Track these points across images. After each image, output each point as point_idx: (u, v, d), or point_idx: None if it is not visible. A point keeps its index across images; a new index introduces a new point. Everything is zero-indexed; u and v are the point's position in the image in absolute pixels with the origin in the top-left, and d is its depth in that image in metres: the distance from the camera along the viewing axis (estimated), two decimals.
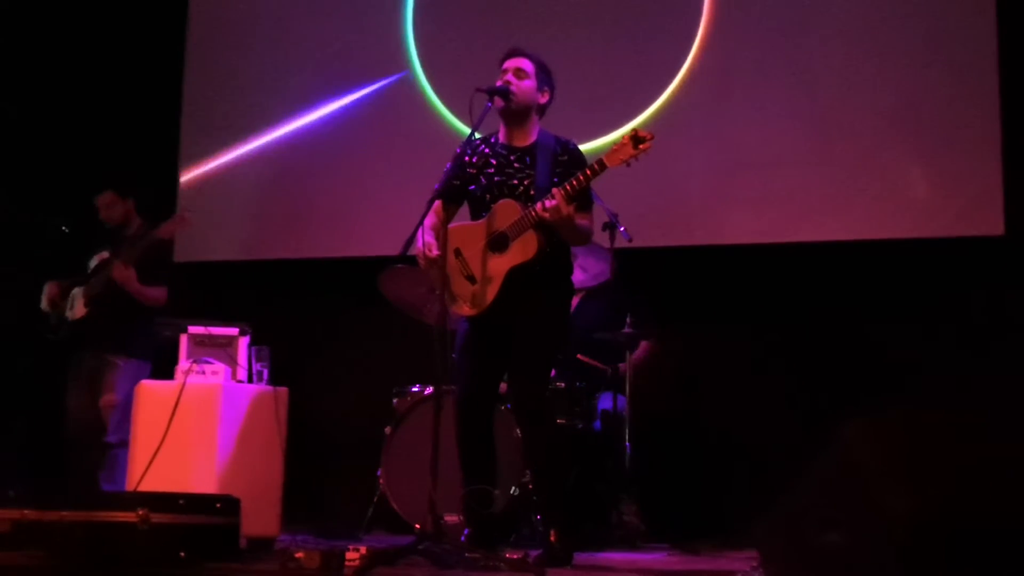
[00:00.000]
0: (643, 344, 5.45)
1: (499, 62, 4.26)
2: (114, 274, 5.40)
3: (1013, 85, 5.53)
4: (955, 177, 5.61)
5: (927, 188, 5.67)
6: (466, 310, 4.13)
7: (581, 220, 4.07)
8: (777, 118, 5.90)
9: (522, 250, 4.04)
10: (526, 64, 4.20)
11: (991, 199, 5.50)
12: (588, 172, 3.94)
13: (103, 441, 5.38)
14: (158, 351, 5.47)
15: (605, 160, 3.92)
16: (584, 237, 4.19)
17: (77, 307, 5.54)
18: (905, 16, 5.74)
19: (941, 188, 5.64)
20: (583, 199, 4.09)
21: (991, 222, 5.49)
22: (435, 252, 4.03)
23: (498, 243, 4.08)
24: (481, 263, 4.09)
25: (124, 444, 5.18)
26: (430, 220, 4.09)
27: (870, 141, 5.74)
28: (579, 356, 5.26)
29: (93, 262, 5.61)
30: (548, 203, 3.92)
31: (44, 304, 5.62)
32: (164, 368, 5.05)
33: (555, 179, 4.05)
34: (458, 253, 4.12)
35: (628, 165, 3.91)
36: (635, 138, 3.89)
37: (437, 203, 4.17)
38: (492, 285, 4.06)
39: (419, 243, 3.99)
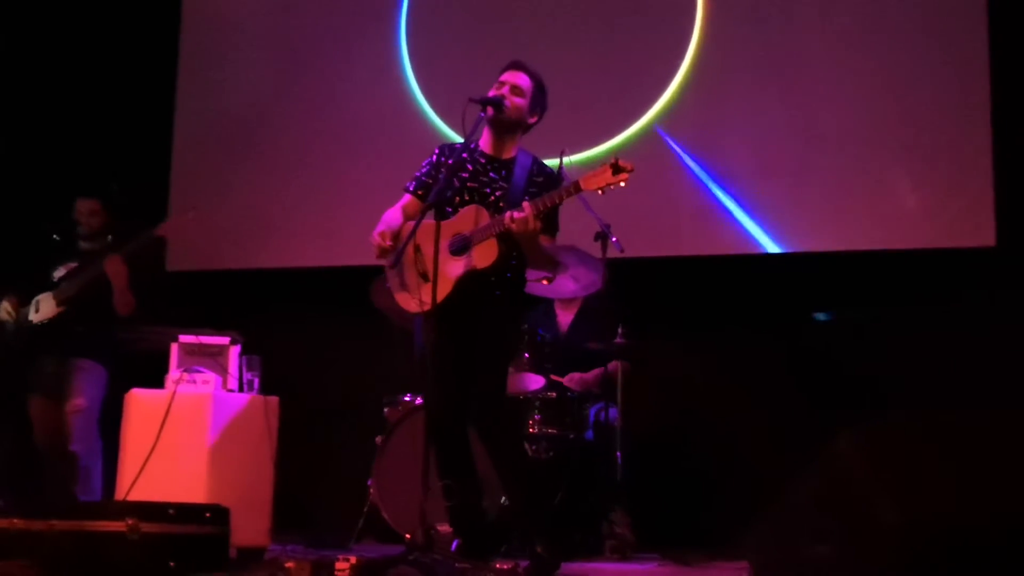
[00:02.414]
0: (619, 363, 5.31)
1: (498, 71, 4.23)
2: (107, 267, 5.19)
3: (1004, 95, 5.55)
4: (947, 188, 5.62)
5: (918, 199, 5.67)
6: (413, 306, 4.09)
7: (544, 241, 4.06)
8: (768, 129, 5.92)
9: (481, 256, 4.01)
10: (524, 81, 4.17)
11: (983, 210, 5.52)
12: (563, 192, 3.93)
13: (69, 450, 5.15)
14: (119, 361, 5.39)
15: (581, 183, 3.89)
16: (546, 261, 4.15)
17: (44, 309, 5.35)
18: (896, 28, 5.75)
19: (933, 199, 5.65)
20: (550, 223, 4.08)
21: (983, 233, 5.50)
22: (388, 242, 4.06)
23: (459, 246, 4.06)
24: (438, 263, 3.98)
25: (92, 453, 5.13)
26: (394, 214, 4.12)
27: (862, 152, 5.75)
28: (553, 376, 5.20)
29: (59, 272, 5.44)
30: (517, 214, 3.90)
31: (2, 314, 5.44)
32: (153, 377, 5.02)
33: (527, 197, 4.02)
34: (417, 249, 4.05)
35: (603, 192, 3.88)
36: (615, 166, 3.85)
37: (407, 198, 4.19)
38: (444, 286, 3.98)
39: (375, 234, 4.05)
